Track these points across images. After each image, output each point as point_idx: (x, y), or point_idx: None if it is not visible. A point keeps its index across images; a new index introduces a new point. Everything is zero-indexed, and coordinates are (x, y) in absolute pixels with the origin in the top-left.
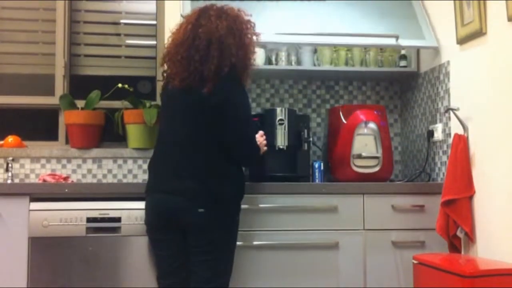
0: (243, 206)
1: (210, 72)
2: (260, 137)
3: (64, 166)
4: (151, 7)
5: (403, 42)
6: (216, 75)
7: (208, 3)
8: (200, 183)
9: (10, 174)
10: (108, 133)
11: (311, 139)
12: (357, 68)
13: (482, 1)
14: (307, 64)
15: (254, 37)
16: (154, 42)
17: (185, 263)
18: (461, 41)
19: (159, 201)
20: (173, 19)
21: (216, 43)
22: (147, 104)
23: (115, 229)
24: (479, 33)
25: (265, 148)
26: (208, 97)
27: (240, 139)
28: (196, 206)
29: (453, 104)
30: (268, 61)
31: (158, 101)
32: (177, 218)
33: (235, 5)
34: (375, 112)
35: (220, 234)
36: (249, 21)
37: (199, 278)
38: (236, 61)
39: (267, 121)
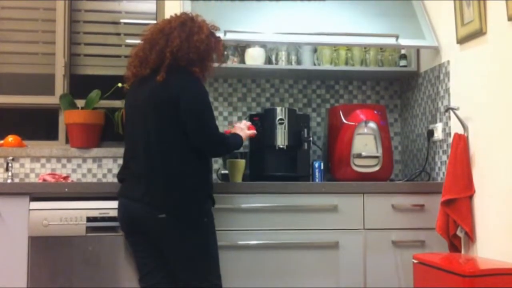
0: (243, 206)
1: (153, 59)
2: (242, 125)
3: (64, 166)
4: (151, 6)
5: (403, 41)
6: (160, 62)
7: (197, 3)
8: (159, 188)
9: (10, 173)
10: (108, 133)
11: (311, 138)
12: (357, 67)
13: (482, 1)
14: (307, 63)
15: (210, 44)
16: None
17: (162, 264)
18: (461, 40)
19: (122, 207)
20: None
21: (165, 34)
22: None
23: (115, 229)
24: (479, 32)
25: (251, 132)
26: (161, 90)
27: (199, 131)
28: (156, 212)
29: (453, 104)
30: (268, 60)
31: None
32: (140, 225)
33: (235, 3)
34: (375, 112)
35: (188, 239)
36: (210, 31)
37: (181, 282)
38: (178, 52)
39: (267, 121)
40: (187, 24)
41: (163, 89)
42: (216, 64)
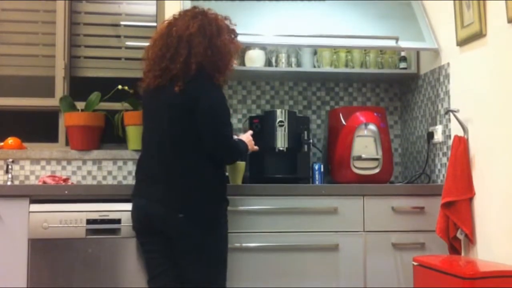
0: (243, 208)
1: (177, 70)
2: (250, 137)
3: (64, 168)
4: (151, 8)
5: (403, 44)
6: (184, 73)
7: (197, 5)
8: (177, 188)
9: (10, 175)
10: (108, 135)
11: (311, 141)
12: (357, 69)
13: (482, 3)
14: (307, 65)
15: (231, 45)
16: None
17: (173, 265)
18: (461, 42)
19: (139, 207)
20: None
21: (185, 42)
22: None
23: (115, 231)
24: (479, 35)
25: (255, 147)
26: (179, 96)
27: (215, 136)
28: (175, 212)
29: (453, 106)
30: (268, 62)
31: None
32: (156, 224)
33: (235, 5)
34: (375, 114)
35: (204, 238)
36: (227, 27)
37: (191, 283)
38: (204, 60)
39: (267, 123)
40: (206, 27)
41: (182, 94)
42: (235, 61)
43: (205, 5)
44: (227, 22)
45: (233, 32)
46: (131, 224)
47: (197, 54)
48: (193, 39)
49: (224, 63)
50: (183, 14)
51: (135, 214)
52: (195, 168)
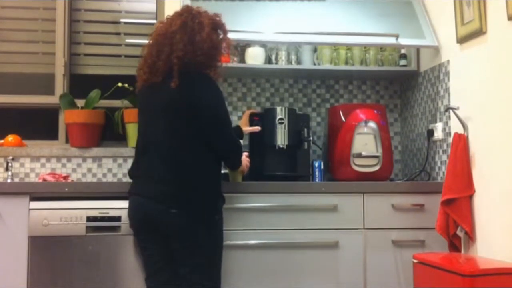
0: (243, 206)
1: (162, 66)
2: (245, 158)
3: (64, 165)
4: (151, 6)
5: (403, 41)
6: (170, 69)
7: (196, 4)
8: (172, 186)
9: (10, 173)
10: (108, 132)
11: (311, 138)
12: (357, 67)
13: (482, 0)
14: (307, 63)
15: (218, 41)
16: None
17: (170, 263)
18: (461, 40)
19: (136, 205)
20: None
21: (169, 38)
22: None
23: (115, 228)
24: (479, 32)
25: (246, 168)
26: (176, 94)
27: (224, 139)
28: (170, 209)
29: (453, 103)
30: (268, 60)
31: None
32: (153, 221)
33: (235, 4)
34: (375, 111)
35: (199, 235)
36: (213, 23)
37: (186, 281)
38: (185, 56)
39: (267, 120)
40: (187, 24)
41: (179, 95)
42: (235, 59)
43: (204, 4)
44: (217, 19)
45: (221, 28)
46: (129, 222)
47: (178, 50)
48: (175, 36)
49: (208, 58)
50: (175, 13)
51: (132, 212)
52: (192, 165)
